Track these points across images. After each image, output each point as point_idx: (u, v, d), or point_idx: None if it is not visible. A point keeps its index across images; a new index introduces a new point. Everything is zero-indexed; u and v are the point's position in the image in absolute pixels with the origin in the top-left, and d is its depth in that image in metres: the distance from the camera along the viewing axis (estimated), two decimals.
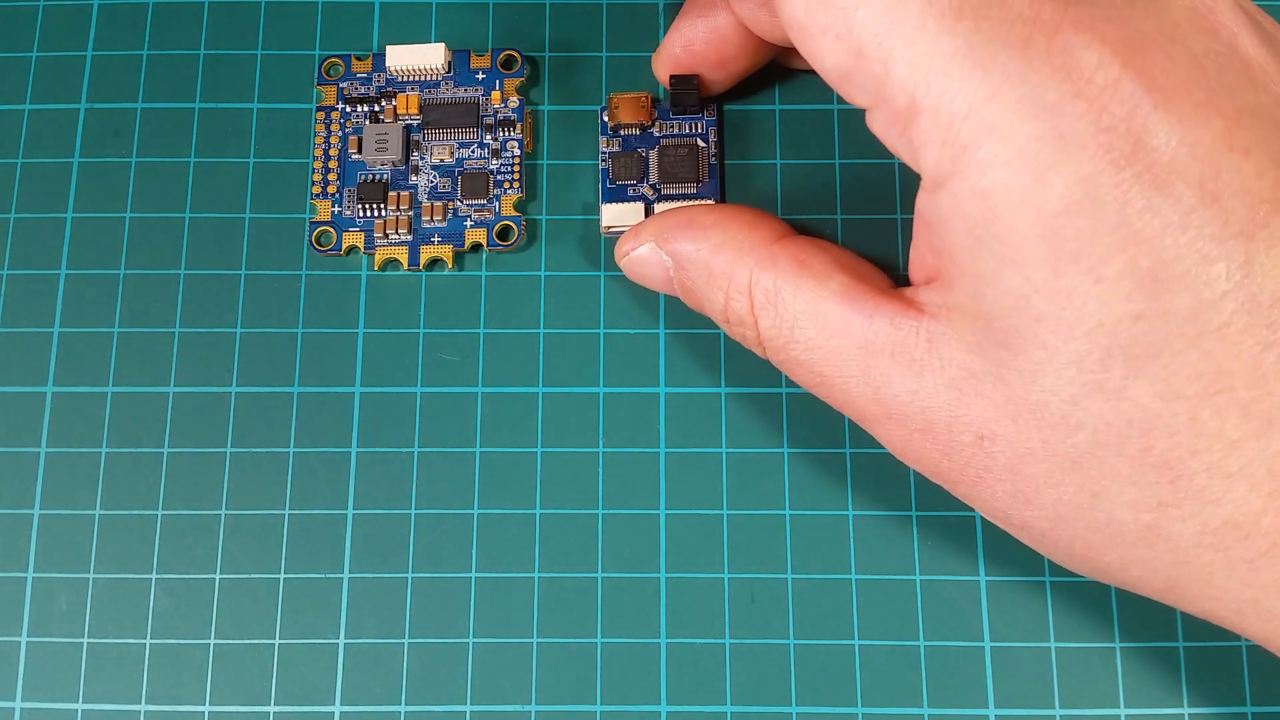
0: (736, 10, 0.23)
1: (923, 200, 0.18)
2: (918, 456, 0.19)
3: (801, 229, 0.26)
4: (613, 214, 0.26)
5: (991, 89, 0.16)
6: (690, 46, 0.24)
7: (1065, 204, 0.16)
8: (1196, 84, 0.16)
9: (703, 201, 0.24)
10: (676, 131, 0.26)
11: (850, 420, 0.24)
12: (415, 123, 0.26)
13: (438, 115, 0.26)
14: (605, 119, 0.26)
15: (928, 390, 0.18)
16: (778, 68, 0.27)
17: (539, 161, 0.27)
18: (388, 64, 0.26)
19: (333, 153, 0.26)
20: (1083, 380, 0.16)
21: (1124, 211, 0.16)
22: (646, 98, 0.26)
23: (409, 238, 0.26)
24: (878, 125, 0.18)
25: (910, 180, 0.26)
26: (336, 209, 0.26)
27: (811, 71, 0.25)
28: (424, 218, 0.26)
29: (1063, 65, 0.16)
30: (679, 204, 0.25)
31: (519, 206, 0.26)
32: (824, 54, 0.18)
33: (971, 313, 0.17)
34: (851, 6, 0.17)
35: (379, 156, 0.26)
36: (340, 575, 0.24)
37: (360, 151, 0.26)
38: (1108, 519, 0.17)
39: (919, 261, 0.19)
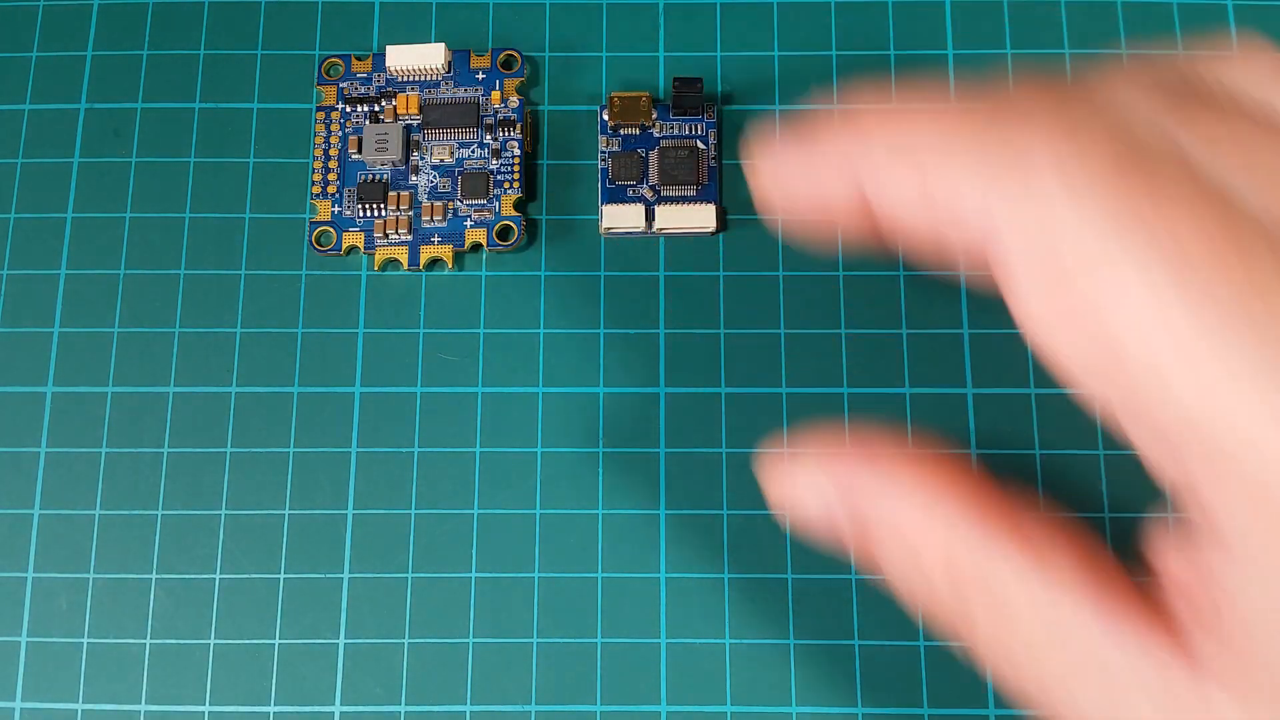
0: (874, 200, 0.16)
1: (1210, 555, 0.14)
2: None
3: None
4: (613, 214, 0.26)
5: None
6: (787, 197, 0.18)
7: None
8: None
9: (887, 450, 0.17)
10: (676, 132, 0.26)
11: (851, 421, 0.25)
12: (415, 123, 0.26)
13: (438, 115, 0.26)
14: (605, 119, 0.26)
15: None
16: (778, 67, 0.27)
17: (539, 161, 0.27)
18: (388, 64, 0.26)
19: (333, 153, 0.26)
20: None
21: None
22: (646, 98, 0.26)
23: (409, 238, 0.26)
24: (1139, 438, 0.14)
25: None
26: (336, 209, 0.26)
27: None
28: (424, 218, 0.26)
29: None
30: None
31: (519, 206, 0.26)
32: (1066, 351, 0.14)
33: (1270, 692, 0.14)
34: (1112, 303, 0.13)
35: (379, 156, 0.26)
36: (340, 575, 0.24)
37: (360, 151, 0.26)
38: None
39: (1177, 586, 0.15)
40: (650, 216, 0.26)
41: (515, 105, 0.26)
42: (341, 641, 0.24)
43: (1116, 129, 0.15)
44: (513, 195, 0.26)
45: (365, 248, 0.26)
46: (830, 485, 0.17)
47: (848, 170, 0.16)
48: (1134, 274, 0.13)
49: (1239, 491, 0.13)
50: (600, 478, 0.25)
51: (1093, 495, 0.24)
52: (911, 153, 0.15)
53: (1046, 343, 0.15)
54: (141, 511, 0.25)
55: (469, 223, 0.26)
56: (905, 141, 0.15)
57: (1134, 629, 0.15)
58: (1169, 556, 0.15)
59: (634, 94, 0.26)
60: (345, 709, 0.24)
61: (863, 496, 0.17)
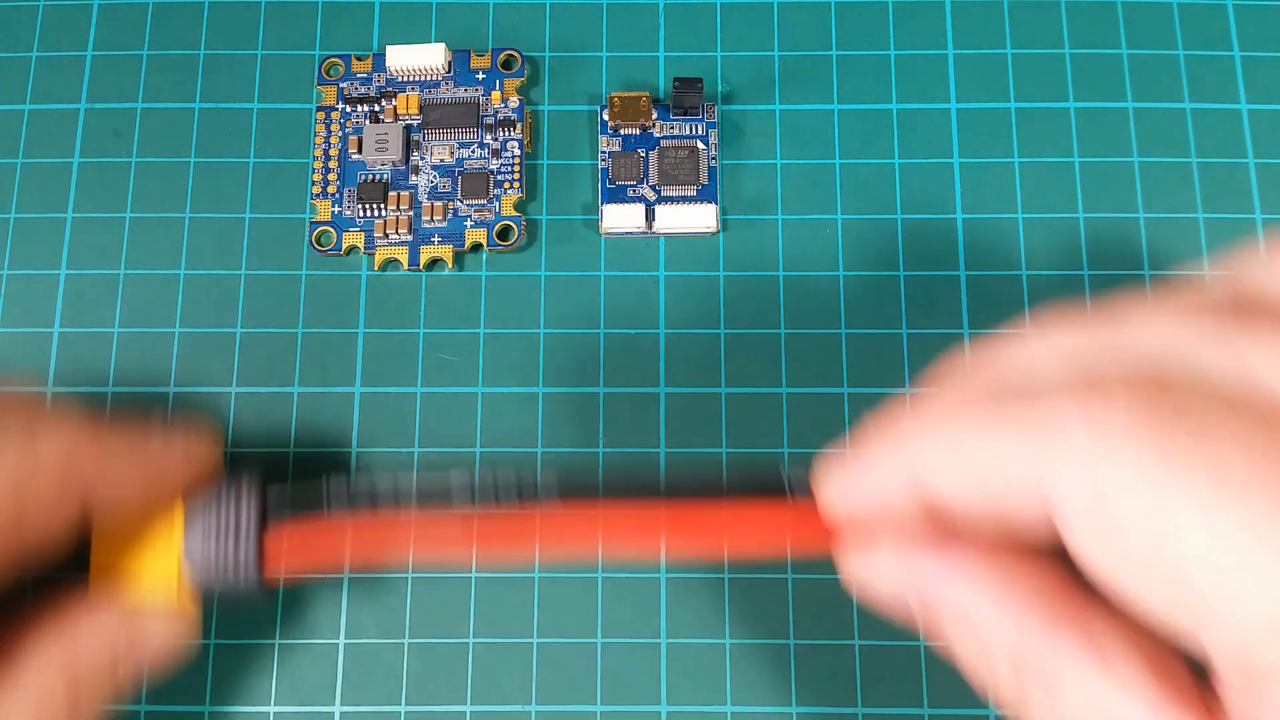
0: (929, 497, 0.17)
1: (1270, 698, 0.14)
2: None
3: (802, 228, 0.26)
4: (613, 214, 0.26)
5: None
6: (848, 498, 0.18)
7: None
8: None
9: (941, 526, 0.17)
10: (676, 133, 0.26)
11: (850, 422, 0.25)
12: (415, 123, 0.26)
13: (438, 115, 0.26)
14: (605, 119, 0.26)
15: None
16: (778, 67, 0.27)
17: (539, 161, 0.27)
18: (388, 64, 0.26)
19: (333, 153, 0.26)
20: None
21: None
22: (646, 98, 0.26)
23: (409, 238, 0.26)
24: (1222, 657, 0.15)
25: (910, 180, 0.26)
26: (336, 209, 0.26)
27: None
28: (424, 218, 0.26)
29: None
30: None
31: (519, 206, 0.26)
32: (1141, 593, 0.15)
33: None
34: (1168, 536, 0.14)
35: (379, 156, 0.26)
36: (340, 575, 0.24)
37: (360, 151, 0.26)
38: None
39: (1241, 708, 0.15)
40: (650, 216, 0.26)
41: (515, 105, 0.26)
42: (341, 641, 0.24)
43: (1141, 369, 0.15)
44: (513, 195, 0.26)
45: (365, 248, 0.26)
46: (902, 568, 0.17)
47: (903, 482, 0.16)
48: (1187, 511, 0.14)
49: None
50: (600, 478, 0.25)
51: None
52: (956, 450, 0.16)
53: (1117, 583, 0.15)
54: None
55: (469, 223, 0.26)
56: (947, 440, 0.16)
57: None
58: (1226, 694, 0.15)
59: (634, 94, 0.26)
60: (345, 709, 0.24)
61: (933, 582, 0.17)
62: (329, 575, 0.24)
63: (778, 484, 0.19)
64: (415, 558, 0.23)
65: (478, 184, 0.26)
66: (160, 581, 0.20)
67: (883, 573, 0.18)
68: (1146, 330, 0.16)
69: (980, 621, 0.17)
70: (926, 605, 0.17)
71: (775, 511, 0.19)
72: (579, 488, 0.20)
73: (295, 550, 0.20)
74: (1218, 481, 0.14)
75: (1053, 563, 0.17)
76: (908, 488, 0.17)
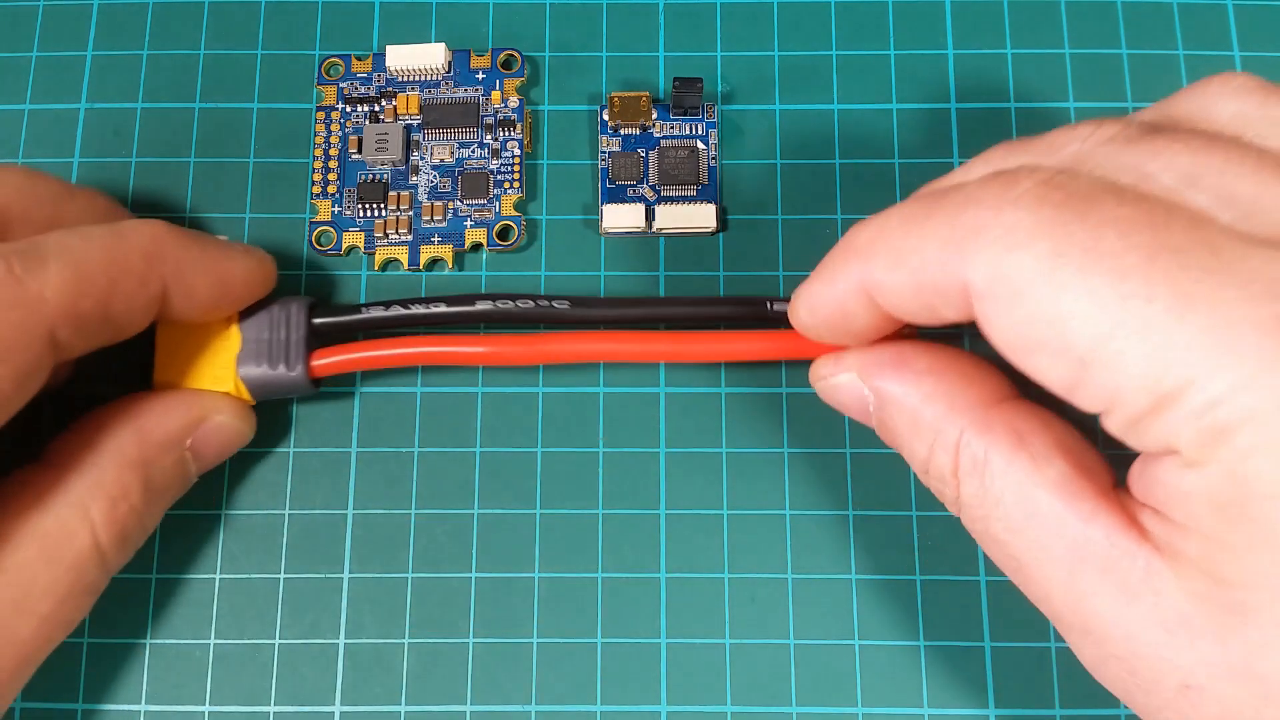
0: (878, 298, 0.19)
1: (1164, 471, 0.17)
2: (1112, 680, 0.18)
3: (802, 228, 0.26)
4: (613, 214, 0.26)
5: (1246, 374, 0.15)
6: (815, 313, 0.21)
7: None
8: None
9: (912, 340, 0.21)
10: (676, 133, 0.26)
11: (852, 422, 0.25)
12: (415, 123, 0.26)
13: (438, 115, 0.26)
14: (605, 119, 0.26)
15: (1135, 621, 0.17)
16: (778, 67, 0.27)
17: (539, 161, 0.27)
18: (388, 64, 0.26)
19: (333, 153, 0.26)
20: None
21: None
22: (646, 98, 0.26)
23: (409, 238, 0.26)
24: (1115, 428, 0.17)
25: (910, 180, 0.26)
26: (336, 209, 0.26)
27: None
28: (424, 218, 0.26)
29: None
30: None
31: (519, 206, 0.26)
32: (1044, 372, 0.17)
33: (1203, 569, 0.16)
34: (1063, 318, 0.16)
35: (379, 156, 0.26)
36: (340, 575, 0.24)
37: (360, 151, 0.26)
38: None
39: (1144, 488, 0.17)
40: (650, 216, 0.26)
41: (515, 105, 0.26)
42: (341, 641, 0.24)
43: (1049, 165, 0.17)
44: (513, 195, 0.26)
45: (365, 248, 0.26)
46: (857, 368, 0.21)
47: (858, 289, 0.19)
48: (1077, 291, 0.16)
49: (1193, 432, 0.15)
50: (600, 478, 0.25)
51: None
52: (892, 251, 0.18)
53: (1024, 365, 0.17)
54: None
55: (469, 223, 0.26)
56: (886, 245, 0.18)
57: (1103, 521, 0.17)
58: (1131, 477, 0.18)
59: (634, 94, 0.26)
60: (345, 709, 0.24)
61: (881, 376, 0.20)
62: (329, 575, 0.24)
63: (764, 312, 0.23)
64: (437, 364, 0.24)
65: (478, 184, 0.26)
66: (219, 388, 0.23)
67: (847, 387, 0.21)
68: (1065, 143, 0.18)
69: (925, 420, 0.19)
70: (880, 406, 0.20)
71: (763, 336, 0.23)
72: (586, 309, 0.23)
73: (339, 362, 0.23)
74: (1103, 262, 0.15)
75: (994, 368, 0.20)
76: (862, 295, 0.19)
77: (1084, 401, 0.17)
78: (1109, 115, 0.19)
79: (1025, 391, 0.19)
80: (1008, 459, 0.18)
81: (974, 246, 0.17)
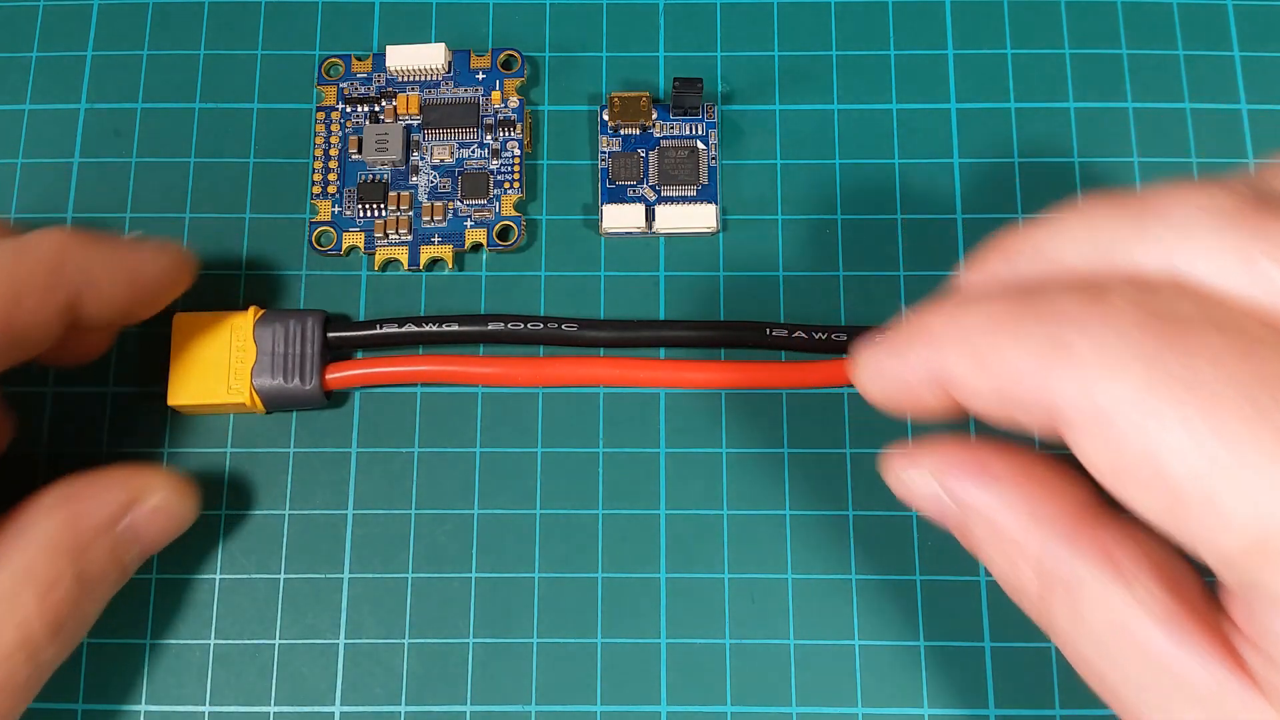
0: (953, 392, 0.18)
1: (1263, 609, 0.15)
2: None
3: (802, 228, 0.26)
4: (613, 214, 0.26)
5: None
6: (881, 388, 0.19)
7: None
8: None
9: (982, 444, 0.19)
10: (676, 133, 0.26)
11: (852, 422, 0.25)
12: (415, 123, 0.26)
13: (438, 115, 0.26)
14: (605, 119, 0.26)
15: None
16: (778, 67, 0.27)
17: (539, 161, 0.27)
18: (388, 64, 0.26)
19: (333, 153, 0.26)
20: None
21: None
22: (646, 98, 0.26)
23: (409, 238, 0.26)
24: (1212, 565, 0.15)
25: (909, 180, 0.26)
26: (336, 209, 0.26)
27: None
28: (424, 218, 0.26)
29: None
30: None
31: (519, 206, 0.26)
32: (1136, 502, 0.16)
33: None
34: (1154, 452, 0.15)
35: (379, 156, 0.26)
36: (340, 575, 0.24)
37: (360, 151, 0.26)
38: None
39: (1243, 613, 0.16)
40: (650, 216, 0.26)
41: (515, 105, 0.26)
42: (341, 641, 0.24)
43: (1145, 274, 0.16)
44: (513, 195, 0.26)
45: (365, 248, 0.26)
46: (932, 469, 0.19)
47: (929, 375, 0.18)
48: (1176, 426, 0.15)
49: None
50: (600, 478, 0.25)
51: None
52: (973, 351, 0.17)
53: (1115, 491, 0.16)
54: None
55: (469, 223, 0.26)
56: (964, 341, 0.17)
57: (1201, 652, 0.16)
58: (1232, 608, 0.16)
59: (634, 94, 0.26)
60: (345, 709, 0.24)
61: (957, 481, 0.18)
62: (329, 575, 0.24)
63: (762, 338, 0.24)
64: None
65: (478, 184, 0.26)
66: (233, 400, 0.24)
67: (920, 487, 0.19)
68: (1163, 220, 0.16)
69: (1007, 532, 0.18)
70: (960, 517, 0.19)
71: (760, 367, 0.24)
72: (592, 330, 0.25)
73: (352, 377, 0.24)
74: (1197, 393, 0.14)
75: (1078, 475, 0.18)
76: (933, 382, 0.18)
77: (1179, 536, 0.16)
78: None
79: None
80: (1097, 580, 0.17)
81: (1064, 365, 0.16)
